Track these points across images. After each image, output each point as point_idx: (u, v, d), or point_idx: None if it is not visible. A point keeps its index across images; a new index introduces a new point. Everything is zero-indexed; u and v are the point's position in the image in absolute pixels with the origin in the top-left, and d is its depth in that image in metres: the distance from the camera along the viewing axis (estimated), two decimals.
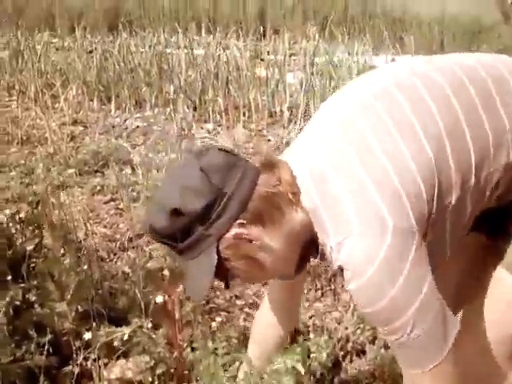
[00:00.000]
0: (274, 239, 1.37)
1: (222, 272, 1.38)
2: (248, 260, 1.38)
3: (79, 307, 2.20)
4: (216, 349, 2.10)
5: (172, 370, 2.05)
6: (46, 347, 2.08)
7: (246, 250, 1.37)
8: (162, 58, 6.38)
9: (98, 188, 4.16)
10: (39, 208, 2.37)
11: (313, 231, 1.37)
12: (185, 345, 2.03)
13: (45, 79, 6.61)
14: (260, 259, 1.39)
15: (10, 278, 2.21)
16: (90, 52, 6.99)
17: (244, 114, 5.79)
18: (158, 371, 2.05)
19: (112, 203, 4.00)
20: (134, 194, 4.00)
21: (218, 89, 5.99)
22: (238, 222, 1.33)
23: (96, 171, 4.53)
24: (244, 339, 2.22)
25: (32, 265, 2.31)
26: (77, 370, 2.13)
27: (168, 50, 6.58)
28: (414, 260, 1.24)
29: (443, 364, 1.29)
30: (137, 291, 2.23)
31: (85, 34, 7.51)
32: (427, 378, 1.31)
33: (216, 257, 1.34)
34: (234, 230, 1.34)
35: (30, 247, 2.38)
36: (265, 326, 1.86)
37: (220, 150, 1.38)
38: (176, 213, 1.31)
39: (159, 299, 1.88)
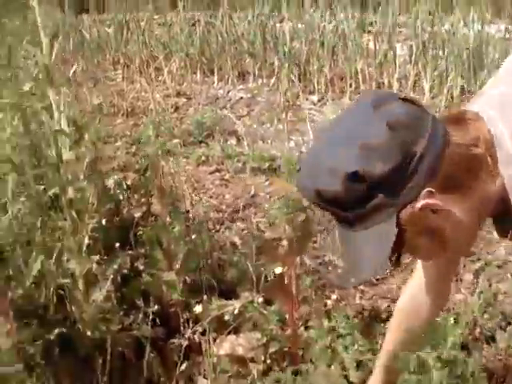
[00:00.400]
0: (464, 210, 1.16)
1: (396, 247, 1.13)
2: (429, 233, 1.17)
3: (187, 278, 2.08)
4: (333, 328, 1.93)
5: (286, 349, 1.90)
6: (152, 317, 2.00)
7: (429, 222, 1.14)
8: (265, 29, 6.19)
9: (203, 158, 4.08)
10: (147, 174, 2.28)
11: (505, 203, 1.17)
12: (299, 323, 1.88)
13: (149, 51, 6.61)
14: (443, 233, 1.17)
15: (117, 245, 2.12)
16: (193, 25, 6.91)
17: (351, 85, 5.54)
18: (271, 350, 1.91)
19: (217, 174, 3.91)
20: (239, 164, 3.93)
21: (323, 59, 5.76)
22: (427, 189, 1.10)
23: (201, 142, 4.46)
24: (362, 318, 2.04)
25: (139, 232, 2.22)
26: (185, 343, 2.03)
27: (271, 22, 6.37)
28: None
29: None
30: (248, 263, 2.10)
31: (187, 7, 7.45)
32: None
33: (396, 230, 1.10)
34: (421, 200, 1.10)
35: (137, 214, 2.29)
36: (410, 310, 1.62)
37: (403, 99, 1.14)
38: (354, 177, 1.07)
39: (278, 270, 1.72)
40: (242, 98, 5.75)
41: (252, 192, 3.49)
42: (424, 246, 1.20)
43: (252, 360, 1.91)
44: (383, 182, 1.08)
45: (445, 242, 1.18)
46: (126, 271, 2.13)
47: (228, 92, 5.91)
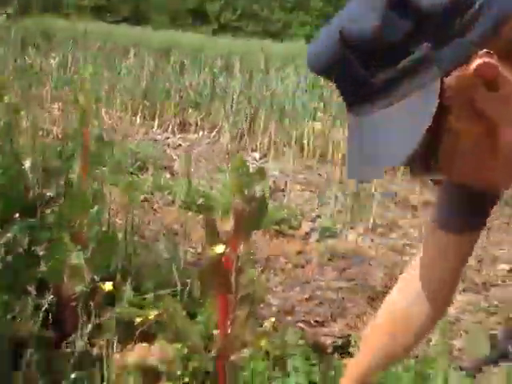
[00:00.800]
0: None
1: (434, 133, 0.80)
2: (477, 121, 0.82)
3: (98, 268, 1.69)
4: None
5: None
6: (45, 311, 1.60)
7: (481, 102, 0.80)
8: (215, 81, 6.03)
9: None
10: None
11: None
12: (233, 328, 1.50)
13: None
14: (496, 124, 0.82)
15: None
16: (142, 67, 6.71)
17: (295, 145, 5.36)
18: (192, 365, 1.53)
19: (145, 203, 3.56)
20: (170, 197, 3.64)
21: (270, 118, 5.60)
22: (485, 50, 0.77)
23: (132, 173, 4.12)
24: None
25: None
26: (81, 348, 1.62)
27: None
28: None
29: None
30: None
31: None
32: None
33: (437, 101, 0.77)
34: (478, 59, 0.77)
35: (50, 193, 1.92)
36: (410, 302, 1.23)
37: None
38: (398, 4, 0.77)
39: (219, 249, 1.36)
40: (180, 145, 5.49)
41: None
42: (467, 134, 0.84)
43: (167, 375, 1.50)
44: (432, 21, 0.78)
45: (493, 134, 0.83)
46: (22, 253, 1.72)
47: (167, 138, 5.64)
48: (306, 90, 5.80)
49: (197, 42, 9.09)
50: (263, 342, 1.57)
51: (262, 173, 1.40)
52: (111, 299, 1.75)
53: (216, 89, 6.04)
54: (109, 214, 1.94)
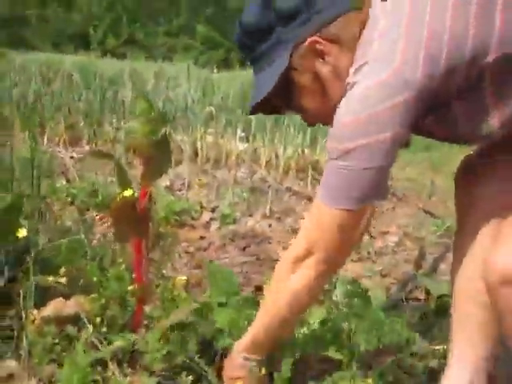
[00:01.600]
0: (345, 65, 1.33)
1: (285, 87, 1.37)
2: (315, 78, 1.37)
3: None
4: None
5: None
6: None
7: (317, 65, 1.36)
8: (105, 94, 6.01)
9: None
10: None
11: None
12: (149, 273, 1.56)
13: None
14: (326, 81, 1.37)
15: None
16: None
17: None
18: (110, 313, 1.57)
19: None
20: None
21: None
22: (318, 34, 1.34)
23: None
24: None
25: None
26: None
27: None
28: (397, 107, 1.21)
29: (343, 216, 1.29)
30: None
31: None
32: (323, 210, 1.32)
33: (287, 61, 1.34)
34: (312, 38, 1.34)
35: None
36: None
37: None
38: (267, 5, 1.35)
39: (128, 192, 1.42)
40: (72, 157, 5.42)
41: None
42: (307, 90, 1.39)
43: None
44: (286, 15, 1.34)
45: (324, 90, 1.37)
46: None
47: (59, 152, 5.54)
48: (198, 100, 5.91)
49: (84, 62, 9.00)
50: (180, 283, 1.64)
51: (164, 117, 1.49)
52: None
53: (106, 101, 6.01)
54: None
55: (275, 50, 1.36)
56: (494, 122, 1.24)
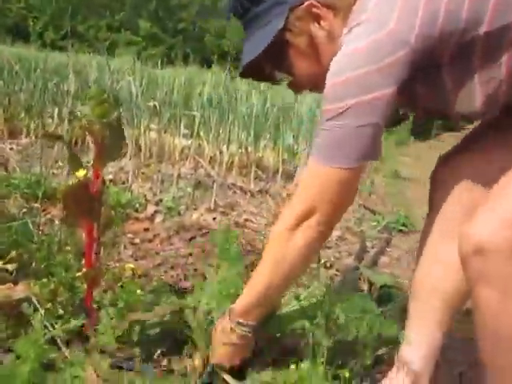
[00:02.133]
0: (340, 32, 1.36)
1: (279, 49, 1.41)
2: (309, 41, 1.41)
3: None
4: None
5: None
6: None
7: (312, 29, 1.40)
8: (48, 84, 5.89)
9: None
10: None
11: None
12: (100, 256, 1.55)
13: None
14: (319, 45, 1.41)
15: None
16: None
17: None
18: (60, 298, 1.56)
19: None
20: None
21: None
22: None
23: None
24: None
25: None
26: None
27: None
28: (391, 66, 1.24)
29: (341, 174, 1.32)
30: None
31: None
32: (320, 171, 1.34)
33: (283, 22, 1.37)
34: (309, 2, 1.38)
35: None
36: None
37: None
38: None
39: (80, 174, 1.41)
40: (12, 148, 5.30)
41: None
42: (301, 52, 1.42)
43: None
44: None
45: (318, 55, 1.41)
46: None
47: None
48: (142, 93, 5.85)
49: (24, 53, 8.76)
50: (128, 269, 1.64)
51: (116, 100, 1.49)
52: None
53: (48, 93, 5.89)
54: None
55: (272, 11, 1.39)
56: (476, 99, 1.28)
